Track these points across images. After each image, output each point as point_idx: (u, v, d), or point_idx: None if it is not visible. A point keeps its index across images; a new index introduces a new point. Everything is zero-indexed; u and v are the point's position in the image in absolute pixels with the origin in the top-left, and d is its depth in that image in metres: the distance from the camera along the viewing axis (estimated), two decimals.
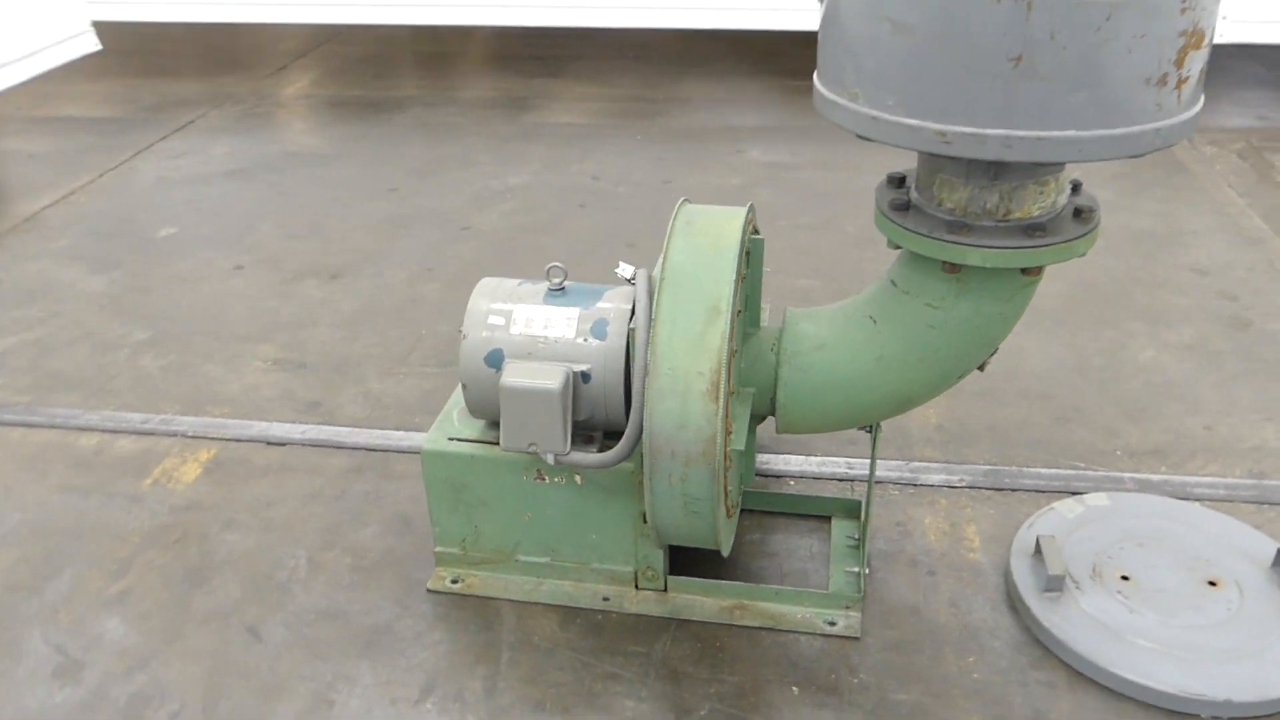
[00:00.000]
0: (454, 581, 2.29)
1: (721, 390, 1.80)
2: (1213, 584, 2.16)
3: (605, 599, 2.24)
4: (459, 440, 2.20)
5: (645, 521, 2.16)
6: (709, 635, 2.15)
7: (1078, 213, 1.79)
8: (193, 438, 2.81)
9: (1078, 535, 2.29)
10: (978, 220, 1.76)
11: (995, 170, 1.71)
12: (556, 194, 4.35)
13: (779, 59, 6.18)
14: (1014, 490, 2.53)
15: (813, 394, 2.00)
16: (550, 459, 2.03)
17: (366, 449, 2.75)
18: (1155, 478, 2.55)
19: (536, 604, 2.23)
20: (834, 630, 2.14)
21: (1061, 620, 2.08)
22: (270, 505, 2.55)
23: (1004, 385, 2.91)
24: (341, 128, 5.26)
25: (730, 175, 4.50)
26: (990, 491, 2.53)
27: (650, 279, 1.97)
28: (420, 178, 4.56)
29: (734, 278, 1.85)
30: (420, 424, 2.84)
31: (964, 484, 2.56)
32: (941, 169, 1.77)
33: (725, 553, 2.07)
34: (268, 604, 2.25)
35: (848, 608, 2.18)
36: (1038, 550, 2.23)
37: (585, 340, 2.03)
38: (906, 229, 1.79)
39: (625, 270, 2.12)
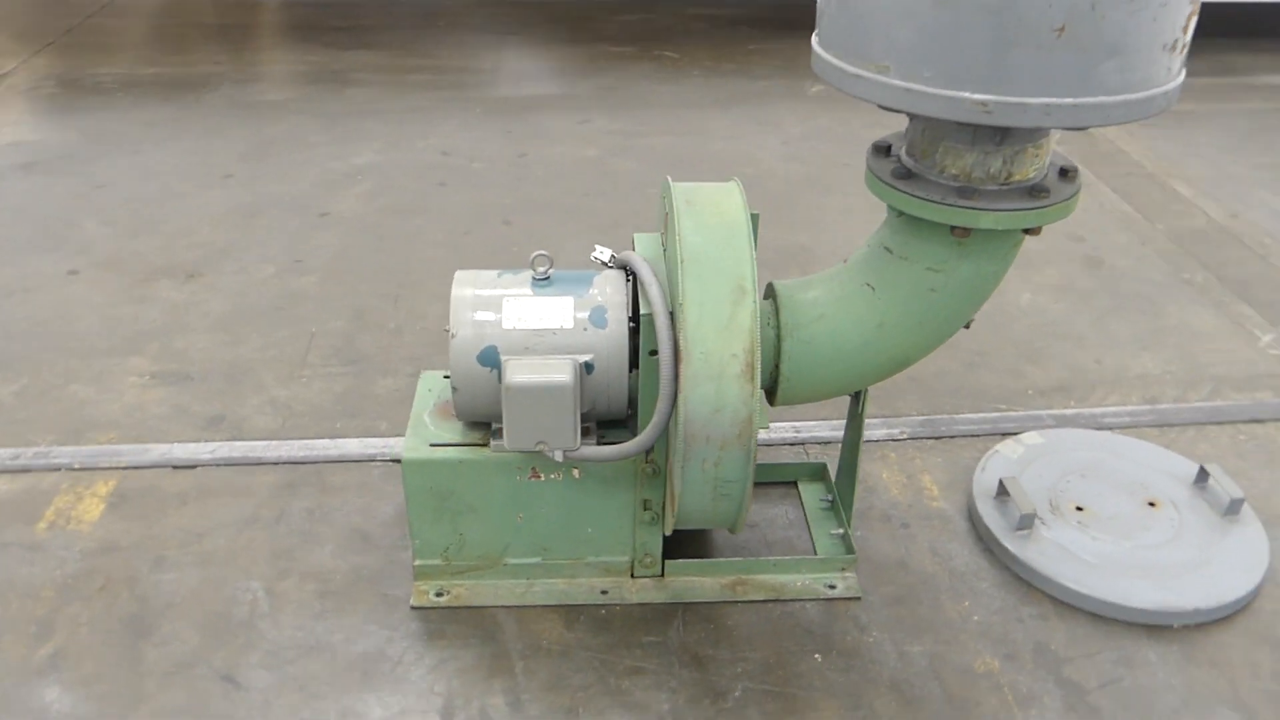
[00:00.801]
0: (439, 595, 2.16)
1: (756, 371, 1.78)
2: (1152, 504, 2.37)
3: (604, 592, 2.18)
4: (442, 446, 2.06)
5: (646, 509, 2.12)
6: (717, 615, 2.13)
7: (1063, 173, 1.89)
8: (82, 470, 2.48)
9: (1027, 474, 2.44)
10: (982, 185, 1.82)
11: (1001, 136, 1.78)
12: (411, 173, 4.12)
13: (594, 24, 6.13)
14: (951, 437, 2.67)
15: (816, 365, 2.01)
16: (559, 456, 1.94)
17: (292, 462, 2.52)
18: (1069, 412, 2.76)
19: (532, 607, 2.14)
20: (835, 593, 2.18)
21: (1038, 555, 2.22)
22: (201, 536, 2.29)
23: None
24: (145, 110, 4.74)
25: (584, 146, 4.42)
26: (931, 440, 2.66)
27: (647, 263, 1.91)
28: (255, 162, 4.19)
29: (752, 255, 1.82)
30: (343, 429, 2.64)
31: (905, 436, 2.67)
32: (946, 137, 1.81)
33: (739, 531, 2.05)
34: (235, 645, 2.03)
35: (843, 569, 2.22)
36: (999, 493, 2.37)
37: (586, 330, 1.95)
38: (914, 196, 1.83)
39: (602, 254, 2.05)
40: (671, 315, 1.82)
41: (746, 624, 2.11)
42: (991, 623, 2.12)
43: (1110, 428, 2.70)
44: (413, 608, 2.13)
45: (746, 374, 1.78)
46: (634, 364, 1.98)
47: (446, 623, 2.10)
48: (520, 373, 1.88)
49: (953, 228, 1.83)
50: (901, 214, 1.90)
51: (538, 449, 1.93)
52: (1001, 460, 2.51)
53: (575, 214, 3.80)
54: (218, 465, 2.51)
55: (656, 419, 1.84)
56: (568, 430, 1.92)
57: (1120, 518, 2.33)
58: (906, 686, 1.97)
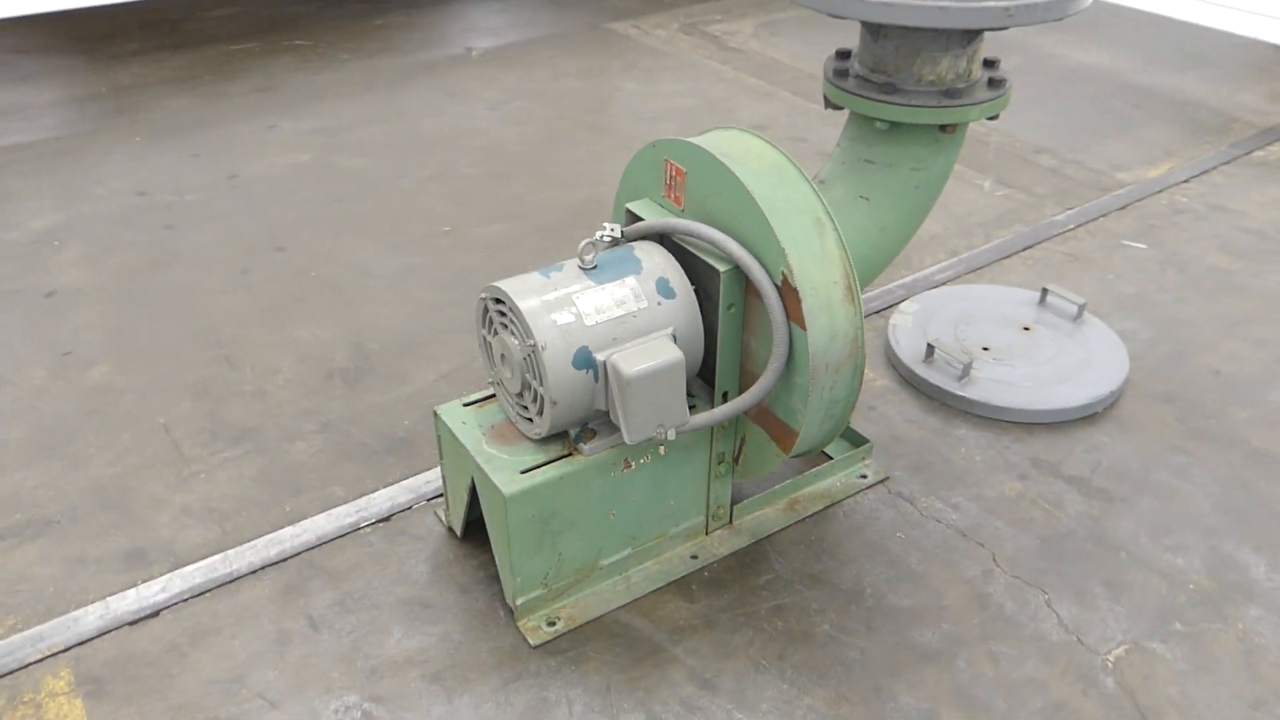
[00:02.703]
0: (551, 624, 2.03)
1: (856, 293, 1.89)
2: (1026, 329, 2.86)
3: (693, 556, 2.19)
4: (535, 469, 1.92)
5: (720, 463, 2.15)
6: (798, 536, 2.24)
7: (987, 63, 2.20)
8: (12, 673, 1.92)
9: (930, 334, 2.81)
10: (956, 84, 2.06)
11: (968, 39, 2.03)
12: (118, 224, 3.48)
13: (192, 25, 5.45)
14: None
15: None
16: (672, 434, 1.90)
17: (272, 565, 2.16)
18: (908, 280, 3.18)
19: (642, 597, 2.09)
20: (870, 480, 2.39)
21: (988, 394, 2.60)
22: (243, 679, 1.91)
23: None
24: None
25: (292, 152, 4.01)
26: None
27: (699, 221, 1.92)
28: None
29: (814, 187, 1.91)
30: (297, 509, 2.29)
31: None
32: (924, 49, 2.03)
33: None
34: None
35: (863, 460, 2.44)
36: (927, 356, 2.71)
37: (660, 304, 1.91)
38: (908, 105, 2.03)
39: (614, 230, 2.01)
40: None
41: (826, 533, 2.25)
42: (991, 458, 2.47)
43: (943, 283, 3.17)
44: (535, 647, 1.99)
45: (848, 297, 1.89)
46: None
47: (579, 645, 1.99)
48: (634, 363, 1.82)
49: (942, 126, 2.07)
50: (888, 126, 2.09)
51: (657, 433, 1.89)
52: (902, 331, 2.85)
53: (345, 222, 3.50)
54: (186, 600, 2.08)
55: (774, 363, 1.89)
56: (680, 407, 1.90)
57: (1015, 346, 2.79)
58: (976, 531, 2.26)
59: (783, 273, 1.83)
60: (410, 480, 2.39)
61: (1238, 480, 2.39)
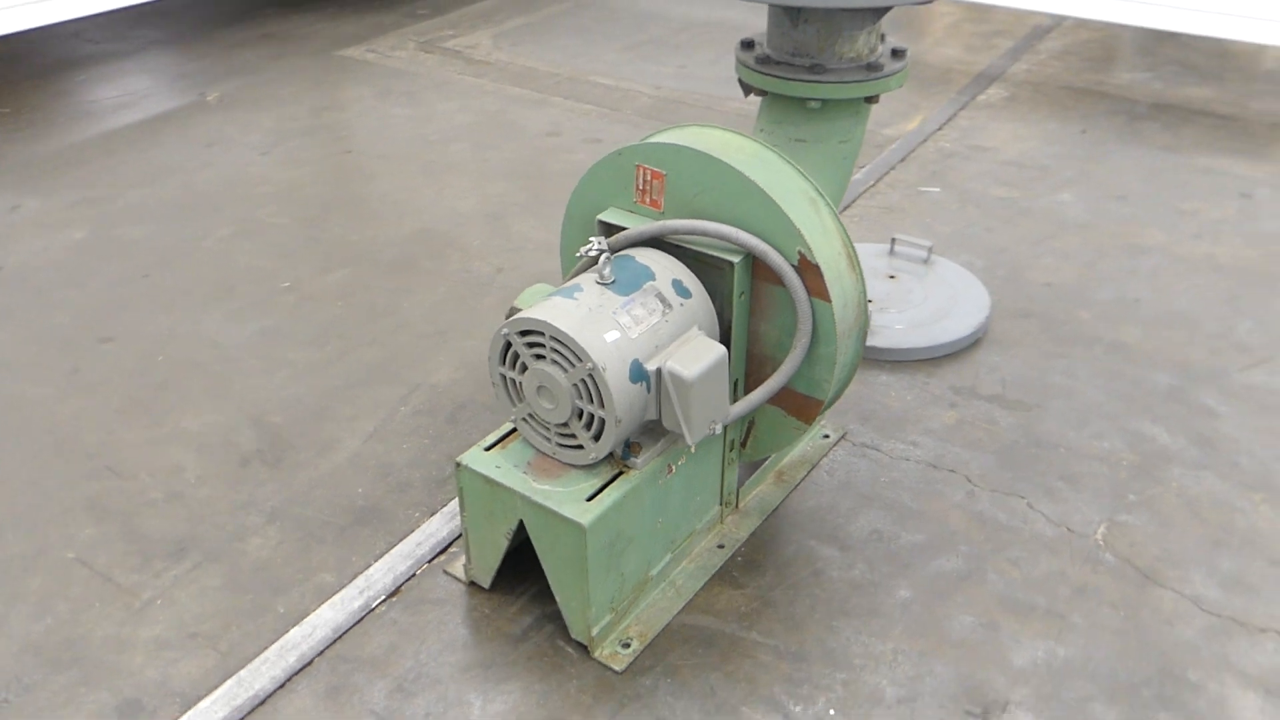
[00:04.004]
0: (625, 645, 1.99)
1: (856, 259, 2.01)
2: (892, 278, 3.13)
3: (720, 546, 2.23)
4: (597, 494, 1.86)
5: (731, 449, 2.20)
6: (799, 504, 2.35)
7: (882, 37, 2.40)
8: None
9: None
10: (870, 59, 2.24)
11: (878, 15, 2.20)
12: None
13: None
14: None
15: None
16: (719, 428, 1.93)
17: (294, 673, 1.93)
18: None
19: (694, 599, 2.10)
20: (834, 439, 2.54)
21: (891, 340, 2.84)
22: None
23: None
24: None
25: (58, 231, 3.50)
26: None
27: (697, 219, 1.95)
28: None
29: (796, 168, 2.00)
30: (289, 610, 2.06)
31: None
32: (842, 30, 2.17)
33: None
34: None
35: (820, 421, 2.58)
36: None
37: (683, 304, 1.92)
38: (840, 83, 2.17)
39: (600, 243, 2.00)
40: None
41: (822, 496, 2.37)
42: (919, 395, 2.70)
43: None
44: (622, 672, 1.94)
45: (851, 265, 2.01)
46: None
47: (661, 658, 1.97)
48: (689, 365, 1.83)
49: (867, 99, 2.24)
50: (820, 105, 2.23)
51: (711, 430, 1.91)
52: None
53: (166, 296, 3.11)
54: None
55: (800, 340, 1.96)
56: (725, 400, 1.93)
57: (891, 294, 3.05)
58: (941, 460, 2.47)
59: (799, 252, 1.92)
60: (400, 546, 2.22)
61: (1111, 370, 2.79)
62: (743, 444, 2.23)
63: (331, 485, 2.40)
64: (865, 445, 2.53)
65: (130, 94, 4.74)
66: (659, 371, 1.84)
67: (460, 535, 2.25)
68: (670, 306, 1.92)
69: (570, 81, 4.88)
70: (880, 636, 2.02)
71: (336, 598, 2.10)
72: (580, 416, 1.86)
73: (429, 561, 2.20)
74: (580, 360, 1.79)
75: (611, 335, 1.82)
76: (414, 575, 2.16)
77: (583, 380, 1.80)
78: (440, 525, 2.27)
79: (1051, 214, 3.61)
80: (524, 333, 1.85)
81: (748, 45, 2.34)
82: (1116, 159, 4.02)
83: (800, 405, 2.10)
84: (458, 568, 2.17)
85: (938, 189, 3.79)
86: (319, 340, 2.93)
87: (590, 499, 1.87)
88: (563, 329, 1.79)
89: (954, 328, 2.90)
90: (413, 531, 2.26)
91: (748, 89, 2.32)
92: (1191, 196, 3.71)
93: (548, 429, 1.92)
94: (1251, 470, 2.43)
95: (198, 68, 5.05)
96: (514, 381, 1.92)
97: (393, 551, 2.21)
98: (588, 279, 1.92)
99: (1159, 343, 2.89)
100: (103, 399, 2.69)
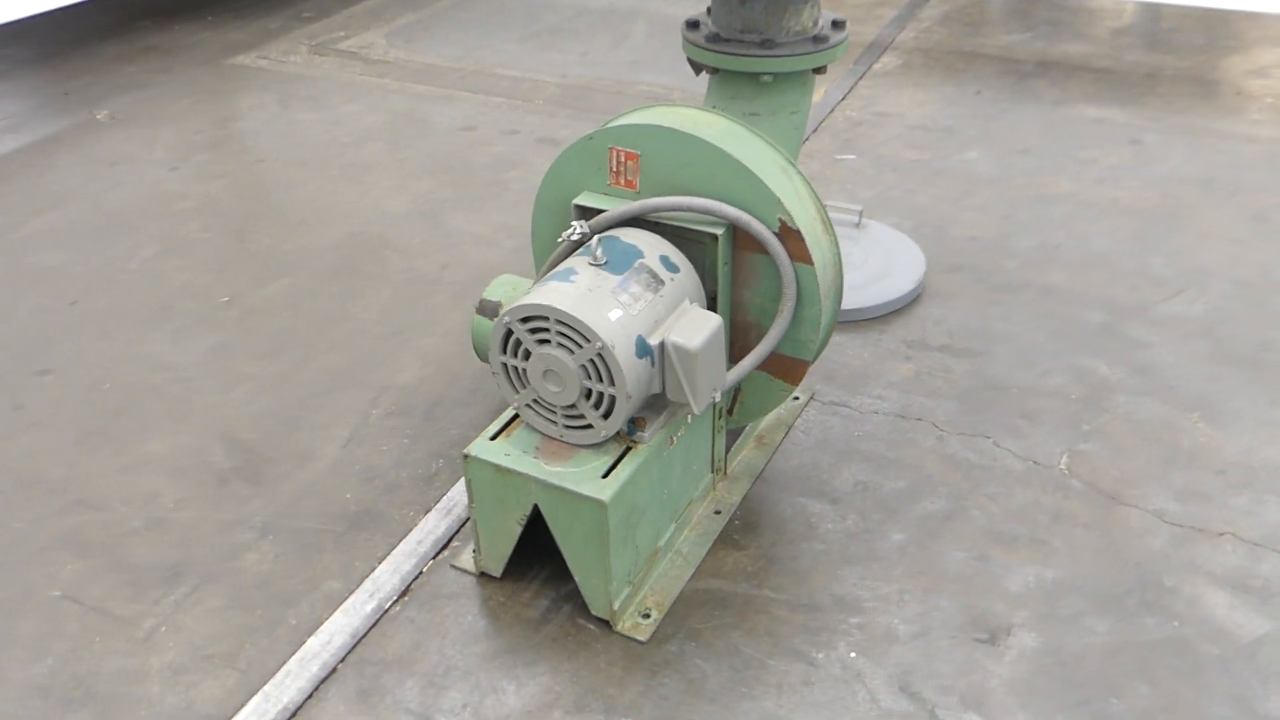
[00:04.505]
0: (645, 616, 2.04)
1: (828, 222, 2.10)
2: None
3: (716, 512, 2.30)
4: (610, 471, 1.90)
5: (720, 416, 2.26)
6: (783, 465, 2.43)
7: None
8: None
9: None
10: (815, 31, 2.32)
11: None
12: None
13: None
14: None
15: None
16: (719, 395, 1.99)
17: (321, 682, 1.92)
18: None
19: (701, 565, 2.16)
20: (804, 400, 2.63)
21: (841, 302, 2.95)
22: None
23: None
24: None
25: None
26: None
27: (677, 195, 2.00)
28: None
29: (766, 140, 2.07)
30: (302, 621, 2.04)
31: None
32: (789, 4, 2.25)
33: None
34: None
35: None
36: None
37: (673, 279, 1.97)
38: (791, 55, 2.25)
39: (582, 226, 2.04)
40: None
41: (803, 455, 2.46)
42: (876, 352, 2.82)
43: None
44: (646, 642, 1.99)
45: (826, 227, 2.10)
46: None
47: (683, 624, 2.03)
48: (691, 336, 1.88)
49: (815, 69, 2.32)
50: (773, 78, 2.30)
51: (713, 398, 1.97)
52: None
53: (101, 322, 2.99)
54: None
55: (786, 304, 2.04)
56: (723, 368, 1.99)
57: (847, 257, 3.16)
58: (908, 410, 2.59)
59: (780, 219, 1.99)
60: (402, 546, 2.21)
61: (1046, 311, 2.97)
62: (729, 410, 2.30)
63: (318, 494, 2.37)
64: (834, 403, 2.63)
65: (9, 116, 4.50)
66: (662, 345, 1.89)
67: (460, 528, 2.26)
68: (662, 282, 1.97)
69: (475, 75, 4.85)
70: (883, 579, 2.12)
71: (348, 603, 2.08)
72: (589, 396, 1.89)
73: (433, 558, 2.20)
74: (588, 340, 1.82)
75: (615, 314, 1.86)
76: (421, 573, 2.17)
77: (591, 360, 1.84)
78: (437, 521, 2.28)
79: (962, 172, 3.79)
80: (526, 319, 1.88)
81: (693, 25, 2.40)
82: (1013, 116, 4.24)
83: (787, 367, 2.18)
84: (465, 560, 2.18)
85: (853, 156, 3.94)
86: (274, 352, 2.87)
87: (605, 476, 1.91)
88: (570, 311, 1.82)
89: (897, 285, 3.03)
90: (411, 530, 2.26)
91: (699, 67, 2.38)
92: (1088, 146, 3.95)
93: (554, 412, 1.95)
94: (1186, 392, 2.62)
95: (79, 85, 4.83)
96: (516, 369, 1.94)
97: (395, 552, 2.20)
98: (579, 262, 1.95)
99: (1084, 283, 3.09)
100: (56, 432, 2.58)
